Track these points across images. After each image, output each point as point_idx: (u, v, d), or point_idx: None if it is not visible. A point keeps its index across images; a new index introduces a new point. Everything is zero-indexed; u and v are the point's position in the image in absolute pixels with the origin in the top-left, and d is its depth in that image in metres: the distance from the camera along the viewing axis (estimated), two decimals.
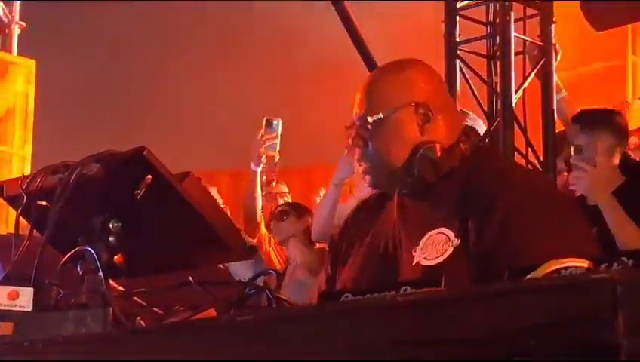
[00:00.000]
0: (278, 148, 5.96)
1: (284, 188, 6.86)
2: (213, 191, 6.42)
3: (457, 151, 2.60)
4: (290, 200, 6.80)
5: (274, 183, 6.57)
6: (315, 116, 10.51)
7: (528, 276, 1.61)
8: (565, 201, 2.82)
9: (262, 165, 6.08)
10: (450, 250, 2.45)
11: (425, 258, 2.48)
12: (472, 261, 2.42)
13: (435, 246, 2.47)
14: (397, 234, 2.61)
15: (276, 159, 6.13)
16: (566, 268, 1.61)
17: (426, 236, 2.50)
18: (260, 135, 5.94)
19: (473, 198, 2.50)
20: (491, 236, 2.42)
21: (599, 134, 4.70)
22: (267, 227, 6.26)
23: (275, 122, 5.94)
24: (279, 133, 5.92)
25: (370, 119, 2.59)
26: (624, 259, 1.58)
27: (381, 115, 2.59)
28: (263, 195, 6.37)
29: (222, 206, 6.35)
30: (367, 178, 2.65)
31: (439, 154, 2.55)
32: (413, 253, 2.51)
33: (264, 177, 6.23)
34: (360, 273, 2.65)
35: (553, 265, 1.62)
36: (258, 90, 11.39)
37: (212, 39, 11.89)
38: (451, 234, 2.47)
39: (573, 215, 2.61)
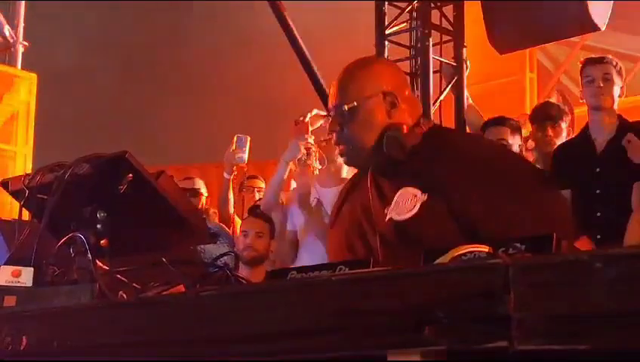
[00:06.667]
0: (246, 160, 5.95)
1: (261, 184, 6.82)
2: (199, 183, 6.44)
3: (418, 130, 2.55)
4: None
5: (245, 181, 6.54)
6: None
7: (440, 259, 1.63)
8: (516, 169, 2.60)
9: (233, 174, 6.08)
10: (418, 205, 2.40)
11: (397, 213, 2.43)
12: (437, 215, 2.36)
13: (405, 203, 2.42)
14: (371, 200, 2.54)
15: (245, 169, 6.14)
16: (471, 252, 1.63)
17: (397, 195, 2.45)
18: (231, 149, 5.93)
19: (435, 166, 2.45)
20: (457, 204, 2.36)
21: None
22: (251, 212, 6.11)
23: (243, 138, 5.94)
24: (247, 147, 5.90)
25: (345, 107, 2.53)
26: (518, 244, 1.60)
27: (355, 103, 2.52)
28: (243, 189, 6.40)
29: (204, 197, 6.37)
30: (344, 158, 2.63)
31: (403, 134, 2.49)
32: (386, 211, 2.47)
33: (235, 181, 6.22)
34: (343, 237, 2.61)
35: (460, 250, 1.63)
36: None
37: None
38: (418, 192, 2.41)
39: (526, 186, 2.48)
